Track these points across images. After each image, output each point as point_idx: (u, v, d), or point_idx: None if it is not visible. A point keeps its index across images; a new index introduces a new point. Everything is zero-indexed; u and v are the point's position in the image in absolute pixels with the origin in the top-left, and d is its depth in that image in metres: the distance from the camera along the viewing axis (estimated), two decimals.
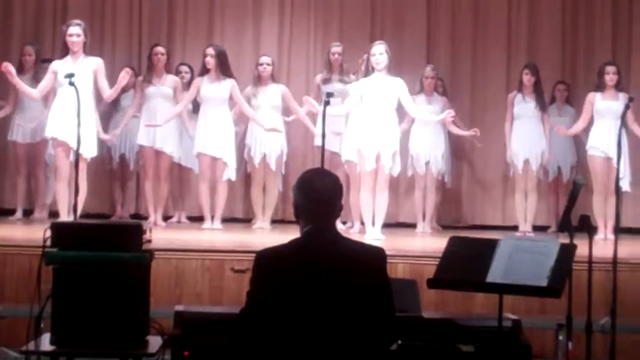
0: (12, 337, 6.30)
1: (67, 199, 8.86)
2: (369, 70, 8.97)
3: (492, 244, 4.83)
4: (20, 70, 10.38)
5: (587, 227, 5.08)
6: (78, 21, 9.00)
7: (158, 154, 10.09)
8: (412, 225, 10.66)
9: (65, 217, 8.78)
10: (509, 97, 10.43)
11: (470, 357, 4.97)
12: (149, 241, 4.87)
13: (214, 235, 9.39)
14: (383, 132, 8.84)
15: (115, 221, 9.61)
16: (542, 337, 6.84)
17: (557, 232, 10.25)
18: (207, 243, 8.34)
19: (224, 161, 9.88)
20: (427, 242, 9.41)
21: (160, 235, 7.54)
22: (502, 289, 4.76)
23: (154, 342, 4.69)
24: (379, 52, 8.90)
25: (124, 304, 4.56)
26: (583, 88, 10.92)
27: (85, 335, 4.55)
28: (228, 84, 9.85)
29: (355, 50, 10.37)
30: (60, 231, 4.67)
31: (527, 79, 10.27)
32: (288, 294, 3.65)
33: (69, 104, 8.39)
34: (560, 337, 6.62)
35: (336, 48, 10.41)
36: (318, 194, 3.78)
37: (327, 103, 8.22)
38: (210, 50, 9.95)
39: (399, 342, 4.81)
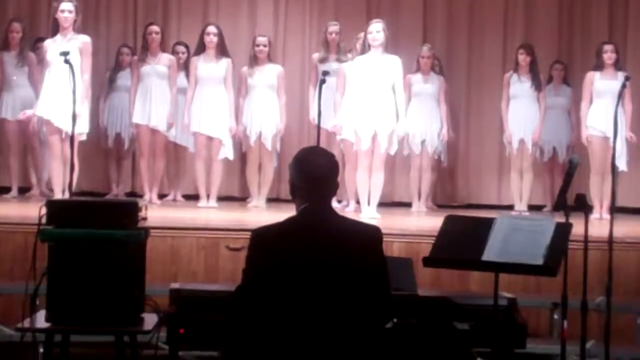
0: (7, 315, 6.31)
1: (62, 177, 8.86)
2: (365, 49, 8.94)
3: (487, 223, 4.83)
4: (6, 47, 10.34)
5: (583, 206, 5.07)
6: None
7: (153, 132, 10.08)
8: (408, 204, 10.67)
9: (59, 195, 8.78)
10: (505, 77, 10.44)
11: (465, 335, 4.98)
12: (145, 219, 4.86)
13: (209, 213, 9.39)
14: (379, 110, 8.82)
15: (111, 199, 9.60)
16: (537, 315, 6.86)
17: (552, 211, 10.27)
18: (203, 221, 8.34)
19: (220, 140, 9.89)
20: (423, 221, 9.42)
21: (155, 213, 7.55)
22: (497, 268, 4.76)
23: (150, 320, 4.69)
24: (376, 30, 8.87)
25: (120, 282, 4.55)
26: (580, 67, 10.92)
27: (81, 312, 4.54)
28: (224, 64, 9.87)
29: (351, 29, 10.34)
30: (56, 208, 4.65)
31: (523, 58, 10.27)
32: (284, 272, 3.65)
33: (59, 82, 8.36)
34: (556, 316, 6.63)
35: (334, 27, 10.37)
36: (314, 172, 3.77)
37: (323, 82, 8.21)
38: (214, 29, 9.94)
39: (395, 320, 4.82)
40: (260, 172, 10.25)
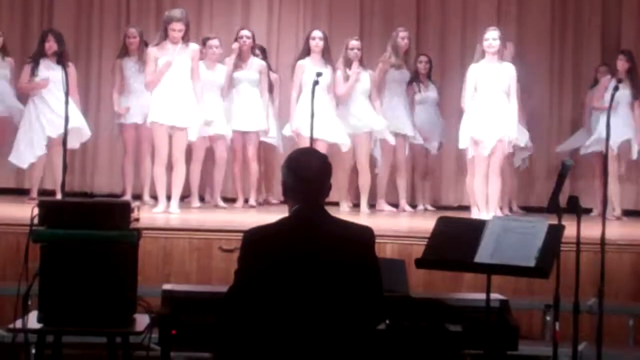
0: None
1: (166, 183, 8.89)
2: (479, 56, 9.07)
3: (480, 224, 4.84)
4: (126, 54, 10.12)
5: (576, 208, 5.08)
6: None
7: (245, 137, 10.15)
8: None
9: (163, 202, 8.89)
10: (603, 81, 10.31)
11: (457, 336, 4.98)
12: (137, 220, 4.86)
13: (202, 214, 9.36)
14: (500, 117, 8.95)
15: (103, 199, 9.49)
16: (529, 317, 6.87)
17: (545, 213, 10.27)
18: (196, 222, 8.33)
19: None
20: (416, 222, 9.42)
21: (148, 215, 7.54)
22: (490, 269, 4.77)
23: (142, 321, 4.68)
24: (492, 38, 9.01)
25: (112, 283, 4.55)
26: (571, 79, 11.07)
27: (73, 313, 4.53)
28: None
29: (344, 33, 10.36)
30: (48, 209, 4.64)
31: (621, 64, 10.15)
32: (276, 273, 3.65)
33: (171, 89, 8.67)
34: (548, 318, 6.65)
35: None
36: (306, 173, 3.78)
37: (316, 83, 8.20)
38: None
39: (387, 321, 4.82)
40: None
